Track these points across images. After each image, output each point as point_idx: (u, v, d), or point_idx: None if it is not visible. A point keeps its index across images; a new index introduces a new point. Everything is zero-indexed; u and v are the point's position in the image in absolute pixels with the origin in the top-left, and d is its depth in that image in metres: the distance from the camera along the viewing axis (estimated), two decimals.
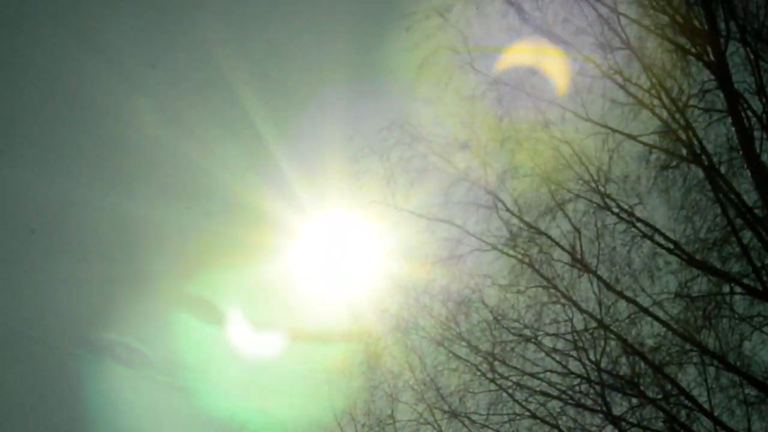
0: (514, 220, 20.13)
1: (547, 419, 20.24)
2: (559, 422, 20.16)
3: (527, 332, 20.31)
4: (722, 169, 18.98)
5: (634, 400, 19.66)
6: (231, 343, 24.47)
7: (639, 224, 19.39)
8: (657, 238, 19.29)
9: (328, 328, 22.14)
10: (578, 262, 19.69)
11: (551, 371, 20.16)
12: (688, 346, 19.41)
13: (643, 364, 19.47)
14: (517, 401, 20.44)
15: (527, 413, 20.38)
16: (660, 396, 19.53)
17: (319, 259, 22.25)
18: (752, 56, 18.77)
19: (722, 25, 18.82)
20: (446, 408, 21.17)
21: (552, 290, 20.01)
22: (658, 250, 19.43)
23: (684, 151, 19.02)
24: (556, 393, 20.11)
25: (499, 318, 20.53)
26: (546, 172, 19.96)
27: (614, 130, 19.55)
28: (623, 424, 19.69)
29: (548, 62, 19.93)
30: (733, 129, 18.68)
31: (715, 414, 19.45)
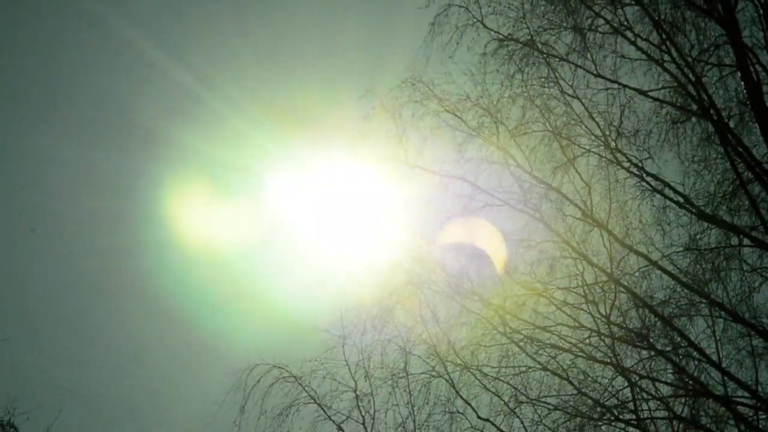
0: (526, 176, 20.28)
1: (558, 372, 20.45)
2: (570, 375, 20.37)
3: (538, 286, 20.51)
4: (731, 124, 19.14)
5: (644, 353, 19.86)
6: None
7: (649, 178, 19.58)
8: (667, 192, 19.49)
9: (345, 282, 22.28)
10: (589, 217, 19.85)
11: (562, 325, 20.33)
12: (697, 299, 19.63)
13: (652, 317, 19.64)
14: (528, 354, 20.65)
15: (538, 366, 20.60)
16: (669, 348, 19.74)
17: (333, 215, 22.45)
18: (762, 11, 18.87)
19: None
20: (458, 361, 21.39)
21: (563, 245, 20.18)
22: (668, 203, 19.67)
23: (694, 106, 19.15)
24: (566, 346, 20.29)
25: (511, 272, 20.74)
26: (557, 128, 20.13)
27: (624, 86, 19.77)
28: (633, 376, 19.88)
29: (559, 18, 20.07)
30: (743, 83, 18.79)
31: (724, 365, 19.69)
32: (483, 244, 20.76)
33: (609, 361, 19.94)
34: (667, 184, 19.45)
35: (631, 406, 19.95)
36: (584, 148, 20.03)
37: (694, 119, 19.60)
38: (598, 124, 19.82)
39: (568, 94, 20.00)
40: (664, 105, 19.70)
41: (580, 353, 20.21)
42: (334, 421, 22.44)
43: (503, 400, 21.02)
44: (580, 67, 19.91)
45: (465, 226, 20.80)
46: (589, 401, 20.11)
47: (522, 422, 20.90)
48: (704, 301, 19.51)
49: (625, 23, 19.56)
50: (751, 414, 19.10)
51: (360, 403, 22.38)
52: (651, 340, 19.63)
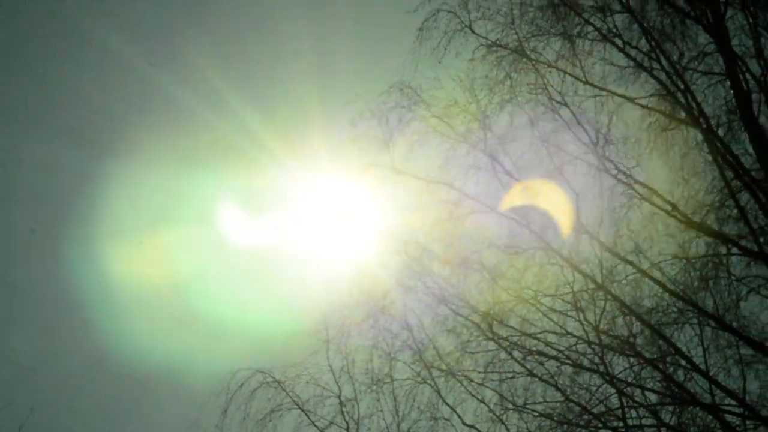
0: (514, 183, 20.23)
1: (545, 378, 20.40)
2: (557, 382, 20.33)
3: (525, 293, 20.44)
4: (720, 132, 19.19)
5: (632, 360, 19.81)
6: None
7: (637, 186, 19.55)
8: (655, 200, 19.43)
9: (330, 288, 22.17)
10: (576, 225, 19.80)
11: (549, 332, 20.27)
12: (685, 307, 19.59)
13: (640, 325, 19.63)
14: (516, 360, 20.59)
15: (525, 372, 20.53)
16: (657, 356, 19.68)
17: (319, 221, 22.34)
18: (751, 19, 18.90)
19: None
20: (444, 367, 21.32)
21: (550, 252, 20.12)
22: (657, 211, 19.59)
23: (683, 114, 19.17)
24: (554, 353, 20.21)
25: (498, 279, 20.65)
26: (545, 135, 20.09)
27: (613, 93, 19.74)
28: (620, 384, 19.84)
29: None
30: (732, 92, 18.81)
31: (711, 373, 19.64)
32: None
33: (596, 369, 19.89)
34: (655, 192, 19.42)
35: (618, 413, 19.95)
36: (572, 155, 19.98)
37: (682, 127, 19.60)
38: (586, 131, 19.79)
39: (557, 101, 19.96)
40: (653, 112, 19.70)
41: (567, 360, 20.15)
42: (317, 427, 22.26)
43: (489, 407, 20.97)
44: (569, 74, 19.90)
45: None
46: (576, 408, 20.08)
47: (507, 429, 20.84)
48: (692, 309, 19.49)
49: (614, 30, 19.60)
50: (738, 423, 19.14)
51: (344, 409, 22.24)
52: (639, 349, 19.60)
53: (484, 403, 21.03)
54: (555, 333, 20.23)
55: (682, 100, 18.91)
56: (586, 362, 20.05)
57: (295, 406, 22.31)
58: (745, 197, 18.98)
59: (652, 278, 19.48)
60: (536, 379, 20.47)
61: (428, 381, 21.45)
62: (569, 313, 20.16)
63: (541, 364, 20.39)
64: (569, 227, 19.85)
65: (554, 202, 20.01)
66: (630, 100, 19.62)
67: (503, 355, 20.66)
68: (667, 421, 19.80)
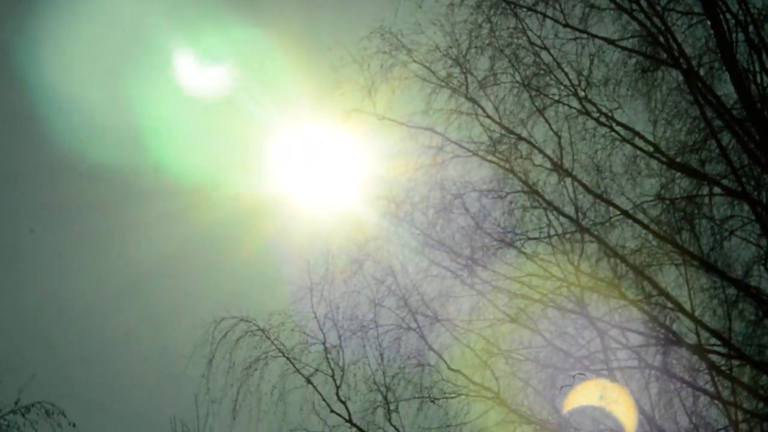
0: (495, 127, 20.19)
1: (528, 324, 20.47)
2: (540, 326, 20.40)
3: (508, 237, 20.45)
4: (701, 72, 19.10)
5: (614, 302, 19.85)
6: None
7: (619, 128, 19.54)
8: (637, 141, 19.46)
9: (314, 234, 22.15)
10: (558, 167, 19.78)
11: (532, 275, 20.27)
12: (668, 248, 19.62)
13: (623, 267, 19.65)
14: (497, 307, 20.62)
15: (507, 318, 20.59)
16: (641, 298, 19.72)
17: (302, 168, 22.28)
18: None
19: None
20: (429, 313, 21.37)
21: (533, 195, 20.11)
22: (639, 153, 19.66)
23: (663, 55, 19.08)
24: (537, 297, 20.25)
25: (480, 223, 20.65)
26: (526, 78, 20.03)
27: (593, 36, 19.64)
28: (603, 325, 19.89)
29: None
30: (712, 32, 18.71)
31: (696, 314, 19.76)
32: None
33: (579, 311, 19.96)
34: (637, 134, 19.43)
35: (601, 356, 20.03)
36: (553, 99, 19.94)
37: (663, 68, 19.55)
38: (567, 74, 19.74)
39: (537, 45, 19.89)
40: (634, 54, 19.64)
41: (550, 303, 20.20)
42: (303, 375, 22.34)
43: (474, 352, 21.03)
44: (549, 17, 19.79)
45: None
46: (560, 352, 20.18)
47: (493, 373, 20.94)
48: (676, 250, 19.53)
49: None
50: (723, 362, 19.25)
51: (329, 356, 22.28)
52: (622, 290, 19.62)
53: (469, 347, 21.11)
54: (538, 276, 20.22)
55: (663, 41, 18.79)
56: (569, 305, 20.09)
57: (280, 354, 22.37)
58: (726, 137, 18.94)
59: (634, 219, 19.50)
60: (518, 325, 20.55)
61: (413, 327, 21.50)
62: (551, 257, 20.12)
63: (523, 309, 20.46)
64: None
65: None
66: (610, 42, 19.54)
67: (486, 300, 20.72)
68: (652, 362, 19.88)
